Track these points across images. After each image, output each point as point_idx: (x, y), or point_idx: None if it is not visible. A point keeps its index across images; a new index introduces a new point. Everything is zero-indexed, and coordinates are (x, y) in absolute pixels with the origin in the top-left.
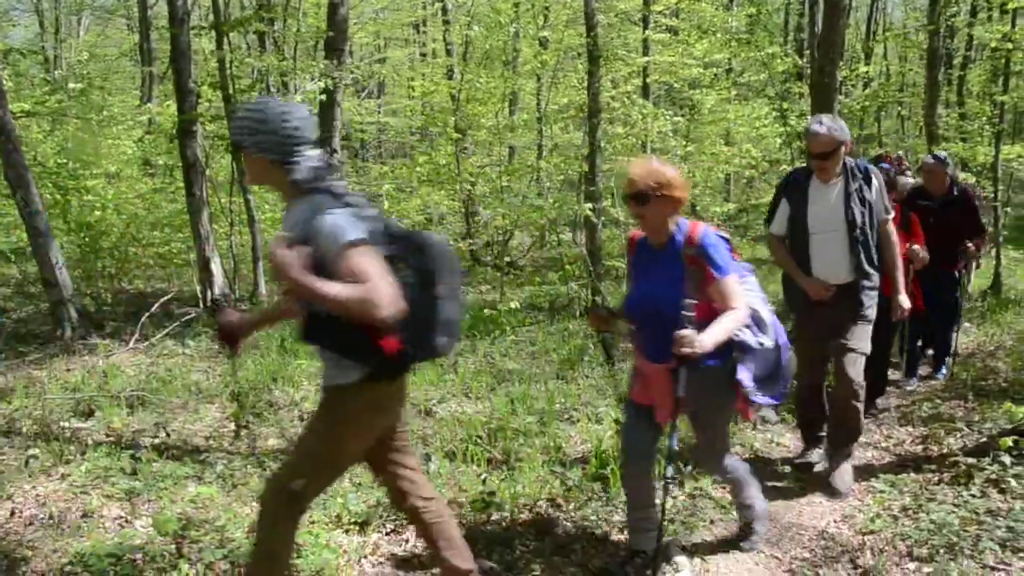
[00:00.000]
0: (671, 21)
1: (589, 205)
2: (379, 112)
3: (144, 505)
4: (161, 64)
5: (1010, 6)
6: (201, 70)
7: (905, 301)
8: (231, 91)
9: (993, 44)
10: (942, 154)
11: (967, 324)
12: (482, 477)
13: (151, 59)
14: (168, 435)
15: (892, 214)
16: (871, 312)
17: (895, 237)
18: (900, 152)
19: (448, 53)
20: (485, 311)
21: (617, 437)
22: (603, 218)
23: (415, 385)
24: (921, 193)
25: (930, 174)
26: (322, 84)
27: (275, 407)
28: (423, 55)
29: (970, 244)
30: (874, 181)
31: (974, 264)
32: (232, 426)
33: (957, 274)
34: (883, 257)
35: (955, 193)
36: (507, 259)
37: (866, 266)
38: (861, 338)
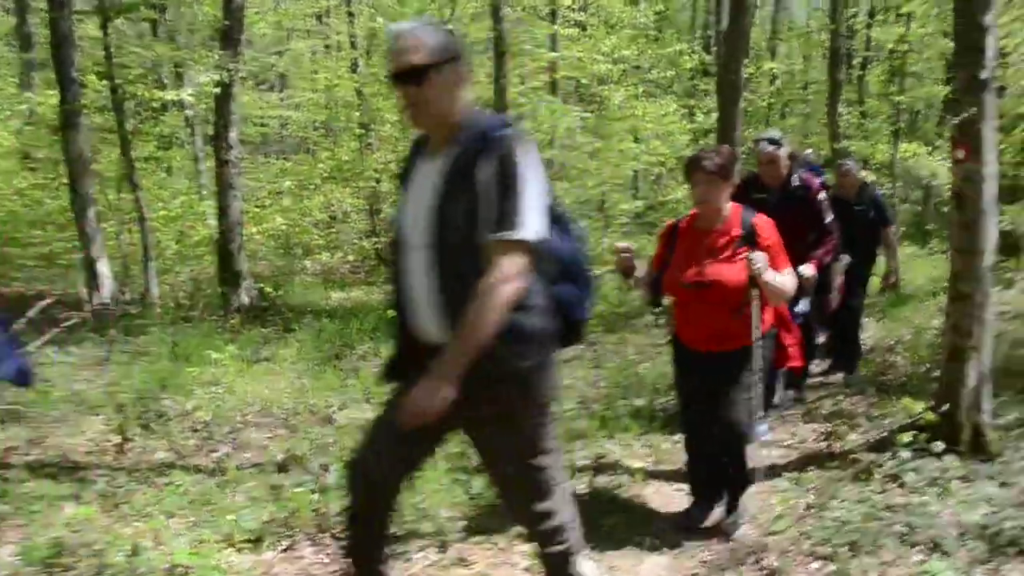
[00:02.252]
0: (579, 16)
1: None
2: (282, 105)
3: (12, 531)
4: (42, 49)
5: (904, 9)
6: (87, 57)
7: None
8: (118, 81)
9: (890, 46)
10: (776, 133)
11: (866, 319)
12: None
13: (30, 44)
14: (43, 451)
15: None
16: None
17: None
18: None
19: (352, 46)
20: (390, 313)
21: None
22: None
23: (316, 391)
24: (756, 184)
25: (769, 164)
26: (217, 76)
27: (164, 417)
28: (327, 47)
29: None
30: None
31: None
32: (117, 439)
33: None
34: None
35: (793, 185)
36: None
37: None
38: None
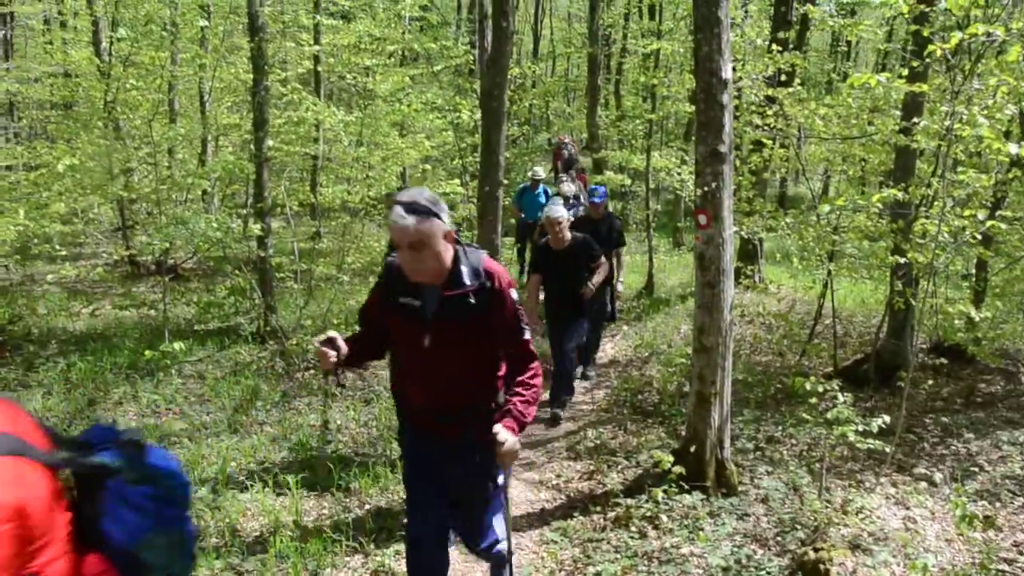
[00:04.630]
0: (345, 3)
1: (259, 226)
2: (6, 77)
3: None
4: None
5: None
6: None
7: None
8: None
9: (643, 49)
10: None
11: (625, 327)
12: None
13: None
14: None
15: None
16: None
17: None
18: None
19: (93, 18)
20: (148, 353)
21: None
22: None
23: None
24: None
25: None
26: None
27: None
28: (61, 15)
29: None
30: None
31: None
32: None
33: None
34: None
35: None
36: (170, 263)
37: None
38: None
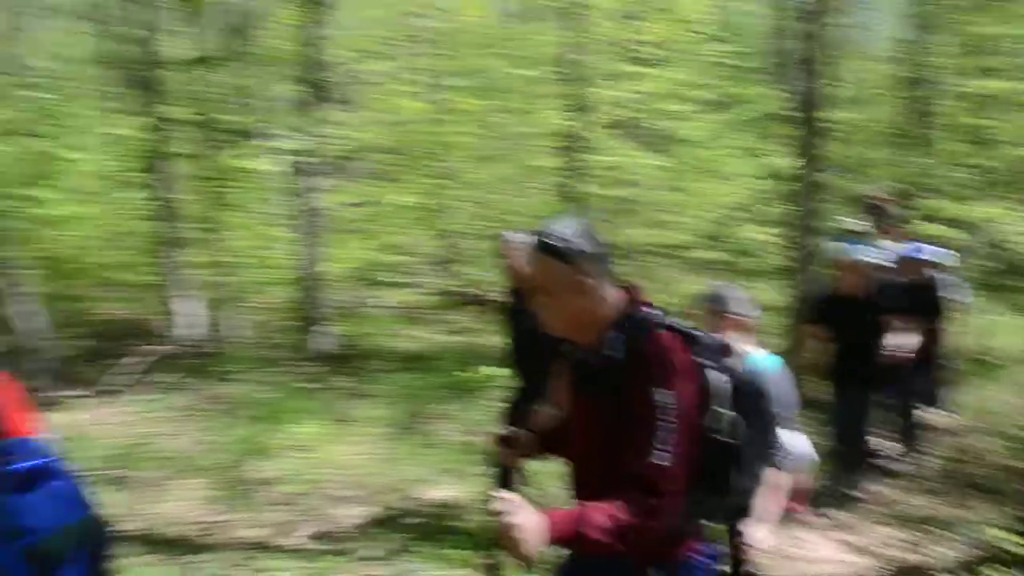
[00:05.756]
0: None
1: None
2: (354, 127)
3: None
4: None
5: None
6: (177, 102)
7: None
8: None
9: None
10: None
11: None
12: None
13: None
14: (135, 522)
15: None
16: None
17: None
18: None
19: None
20: (463, 375)
21: None
22: None
23: (395, 461)
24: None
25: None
26: (298, 144)
27: (250, 486)
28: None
29: None
30: None
31: None
32: (204, 511)
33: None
34: None
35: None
36: (486, 294)
37: None
38: None
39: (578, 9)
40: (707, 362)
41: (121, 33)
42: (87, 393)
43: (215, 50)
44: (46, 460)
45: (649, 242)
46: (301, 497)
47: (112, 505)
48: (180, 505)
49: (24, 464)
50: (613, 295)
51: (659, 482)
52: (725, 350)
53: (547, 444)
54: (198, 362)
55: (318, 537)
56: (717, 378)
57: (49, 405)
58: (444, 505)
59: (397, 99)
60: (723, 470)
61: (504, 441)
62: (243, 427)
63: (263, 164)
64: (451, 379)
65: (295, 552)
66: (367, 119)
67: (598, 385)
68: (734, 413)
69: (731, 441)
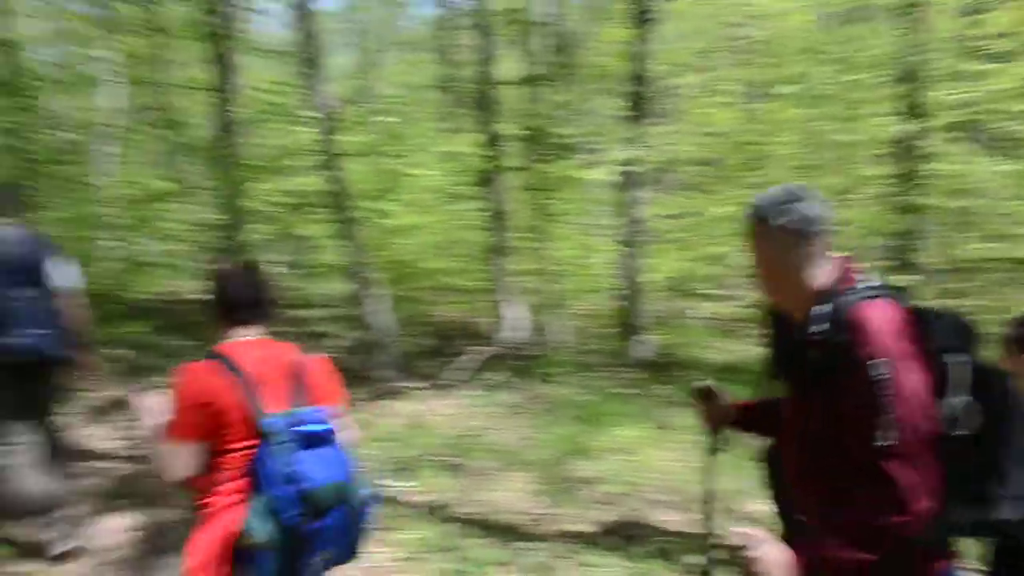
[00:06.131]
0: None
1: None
2: (668, 139)
3: None
4: (461, 98)
5: None
6: (509, 118)
7: None
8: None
9: None
10: None
11: None
12: None
13: (452, 94)
14: (471, 506)
15: None
16: None
17: None
18: None
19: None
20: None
21: None
22: None
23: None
24: None
25: None
26: (629, 154)
27: (574, 484)
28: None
29: None
30: None
31: None
32: (534, 503)
33: None
34: None
35: None
36: None
37: None
38: None
39: (915, 6)
40: (941, 342)
41: (457, 59)
42: (424, 386)
43: (543, 69)
44: (327, 429)
45: (991, 256)
46: (621, 497)
47: (448, 488)
48: (508, 495)
49: (311, 429)
50: (828, 267)
51: (895, 469)
52: (966, 331)
53: (756, 421)
54: (522, 363)
55: (638, 538)
56: (954, 361)
57: (393, 394)
58: (758, 520)
59: (712, 110)
60: (964, 471)
61: (703, 395)
62: (564, 427)
63: (590, 175)
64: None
65: (616, 550)
66: (683, 131)
67: (806, 362)
68: (977, 403)
69: (972, 435)
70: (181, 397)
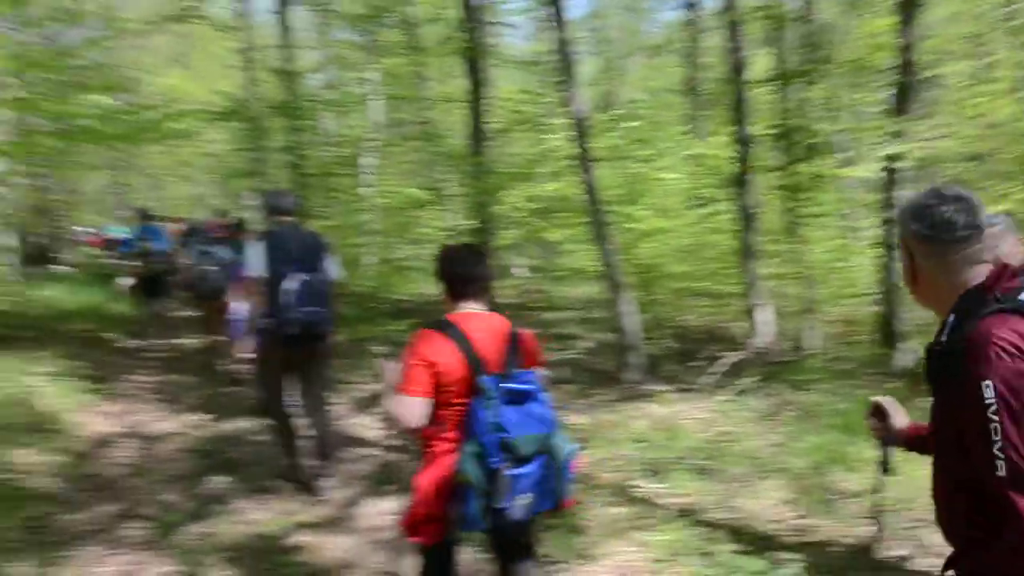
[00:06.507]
0: None
1: None
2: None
3: None
4: (708, 100)
5: None
6: (761, 119)
7: None
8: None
9: None
10: None
11: None
12: None
13: (698, 96)
14: (731, 512)
15: None
16: None
17: None
18: None
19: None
20: None
21: None
22: None
23: None
24: None
25: None
26: (894, 150)
27: (833, 495)
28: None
29: None
30: None
31: None
32: (792, 514)
33: None
34: None
35: None
36: None
37: None
38: None
39: None
40: None
41: (703, 61)
42: (670, 388)
43: (796, 65)
44: (533, 388)
45: None
46: (887, 514)
47: (700, 492)
48: (762, 502)
49: (517, 386)
50: (975, 274)
51: (1005, 504)
52: None
53: (917, 439)
54: (774, 369)
55: (907, 559)
56: None
57: (642, 397)
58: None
59: (985, 100)
60: None
61: (876, 411)
62: (818, 435)
63: (850, 173)
64: None
65: (880, 570)
66: (951, 124)
67: (937, 375)
68: None
69: None
70: (414, 357)
